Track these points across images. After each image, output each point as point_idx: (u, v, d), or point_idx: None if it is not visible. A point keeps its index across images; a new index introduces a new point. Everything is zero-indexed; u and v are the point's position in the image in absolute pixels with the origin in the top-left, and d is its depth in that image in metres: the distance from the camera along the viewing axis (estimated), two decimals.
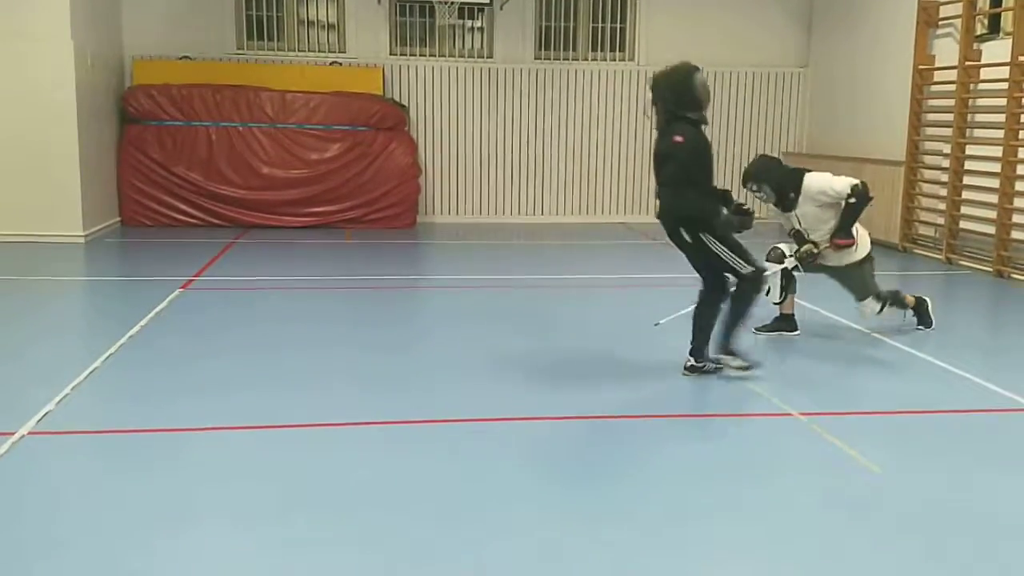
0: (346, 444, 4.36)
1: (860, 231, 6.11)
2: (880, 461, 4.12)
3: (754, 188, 6.08)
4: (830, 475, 4.04)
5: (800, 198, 6.01)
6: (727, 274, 5.21)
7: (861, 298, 6.29)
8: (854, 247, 6.07)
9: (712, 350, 5.32)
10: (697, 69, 5.11)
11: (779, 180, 6.07)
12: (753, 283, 5.20)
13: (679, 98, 5.05)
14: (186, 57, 11.71)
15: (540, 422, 4.67)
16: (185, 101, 11.25)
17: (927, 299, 6.56)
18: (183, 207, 11.36)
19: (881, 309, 6.29)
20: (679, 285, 8.43)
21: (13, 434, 4.28)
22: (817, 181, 6.00)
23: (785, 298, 6.30)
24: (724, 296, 5.27)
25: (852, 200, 5.88)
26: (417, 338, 6.53)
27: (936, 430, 4.71)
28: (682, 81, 5.06)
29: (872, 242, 6.31)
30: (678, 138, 5.00)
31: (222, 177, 11.37)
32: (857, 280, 6.26)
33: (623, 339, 6.36)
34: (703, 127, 5.14)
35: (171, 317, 6.74)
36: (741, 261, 5.13)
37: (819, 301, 7.30)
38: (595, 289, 8.33)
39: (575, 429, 4.61)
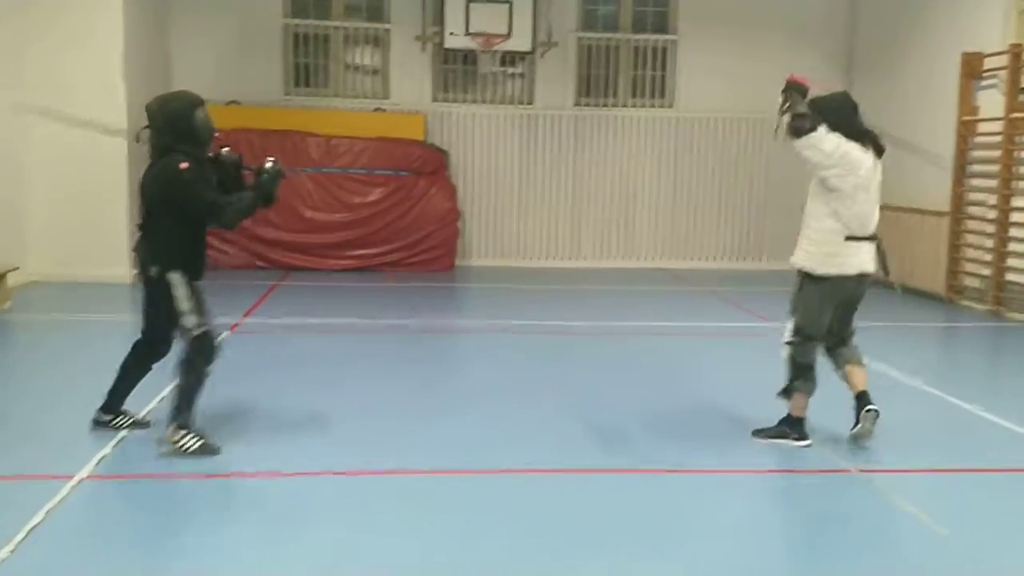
0: (409, 493, 4.36)
1: (846, 246, 4.85)
2: (947, 522, 4.04)
3: None
4: (894, 536, 3.97)
5: None
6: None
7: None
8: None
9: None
10: (200, 103, 4.72)
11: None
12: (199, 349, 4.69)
13: (175, 130, 4.62)
14: (234, 102, 11.92)
15: (571, 475, 4.64)
16: (232, 145, 11.38)
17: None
18: (227, 249, 11.48)
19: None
20: (717, 335, 8.42)
21: (71, 478, 4.33)
22: None
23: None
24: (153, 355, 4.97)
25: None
26: (469, 387, 6.54)
27: (1003, 490, 4.61)
28: (180, 114, 4.64)
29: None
30: (184, 164, 4.56)
31: (266, 220, 11.47)
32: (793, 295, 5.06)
33: (666, 389, 6.32)
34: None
35: (221, 359, 6.78)
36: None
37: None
38: (636, 337, 8.30)
39: (620, 483, 4.57)
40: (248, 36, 12.18)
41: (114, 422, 5.00)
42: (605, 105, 12.90)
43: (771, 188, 13.10)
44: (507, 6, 11.63)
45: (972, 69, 9.93)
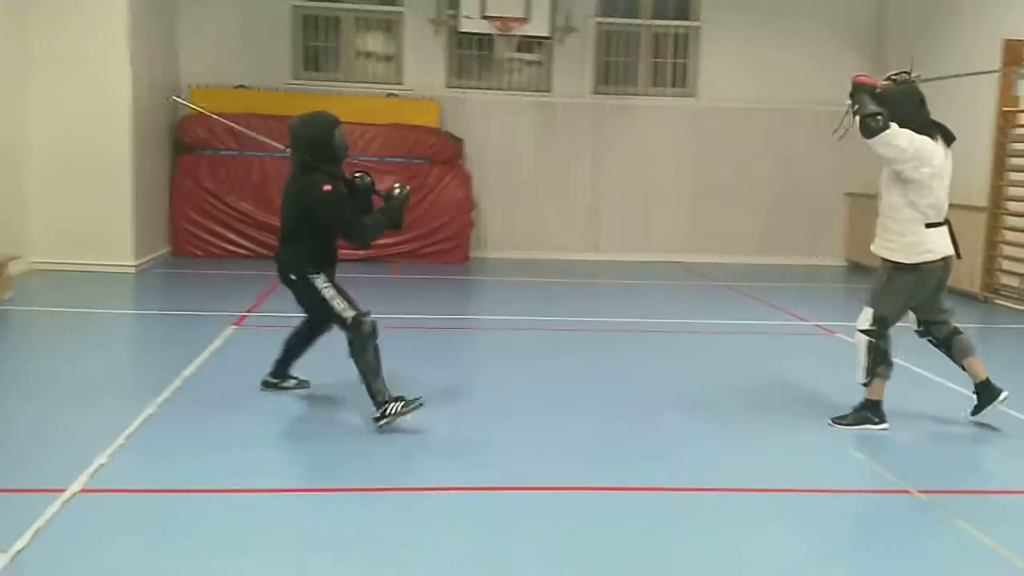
0: (430, 511, 3.99)
1: (928, 233, 4.96)
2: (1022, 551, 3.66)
3: None
4: (965, 569, 3.59)
5: None
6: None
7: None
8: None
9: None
10: (338, 123, 5.14)
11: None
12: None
13: (315, 150, 5.04)
14: (241, 86, 11.55)
15: (610, 493, 4.27)
16: (240, 130, 11.07)
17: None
18: (234, 238, 11.16)
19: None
20: (750, 333, 8.02)
21: (64, 491, 3.96)
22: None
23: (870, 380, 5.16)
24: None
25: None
26: (472, 385, 6.17)
27: None
28: (321, 136, 5.08)
29: (949, 290, 5.38)
30: (327, 187, 4.97)
31: (274, 208, 11.04)
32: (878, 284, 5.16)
33: (700, 396, 5.94)
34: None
35: (226, 357, 6.45)
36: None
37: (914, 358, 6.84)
38: (655, 335, 7.92)
39: (658, 503, 4.18)
40: (256, 18, 11.80)
41: (282, 383, 5.56)
42: (625, 94, 12.48)
43: (796, 181, 12.71)
44: None
45: (1015, 57, 9.49)
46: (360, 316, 5.00)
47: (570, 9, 11.83)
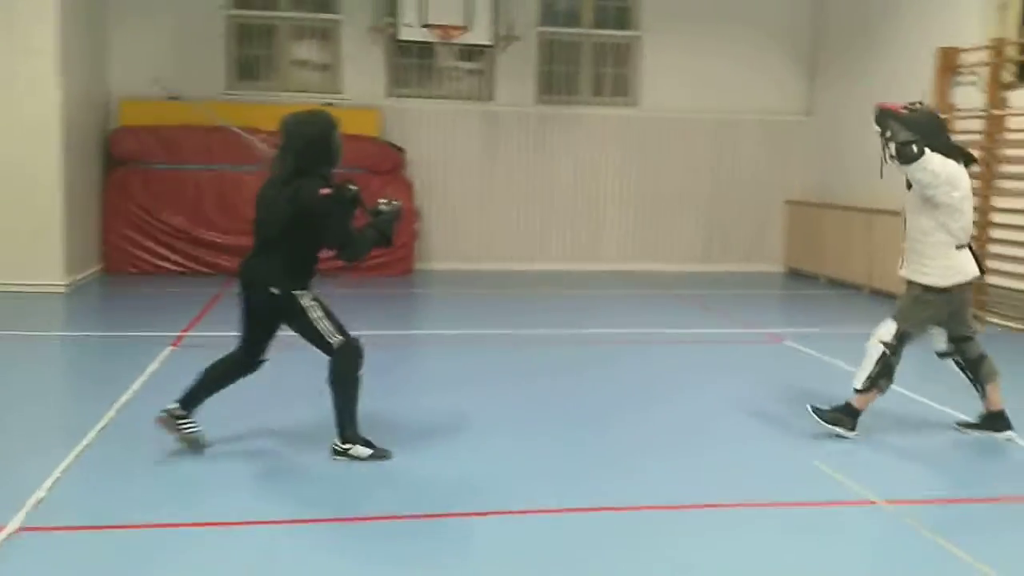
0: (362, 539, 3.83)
1: (959, 255, 5.04)
2: (993, 562, 3.64)
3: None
4: None
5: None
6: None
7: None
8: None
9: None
10: (336, 124, 4.66)
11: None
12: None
13: (313, 152, 4.56)
14: (174, 97, 11.19)
15: (563, 515, 4.13)
16: (173, 143, 10.76)
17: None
18: (169, 254, 10.83)
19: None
20: (700, 342, 8.01)
21: (3, 528, 3.72)
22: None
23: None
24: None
25: None
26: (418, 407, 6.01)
27: None
28: (320, 137, 4.60)
29: (891, 296, 5.45)
30: (325, 191, 4.48)
31: (210, 223, 10.85)
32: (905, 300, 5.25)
33: (657, 406, 5.88)
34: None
35: (164, 381, 6.11)
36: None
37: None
38: (604, 345, 7.86)
39: (607, 522, 4.05)
40: (189, 27, 11.46)
41: (185, 424, 4.69)
42: (567, 103, 12.45)
43: (737, 189, 12.80)
44: None
45: (948, 64, 9.68)
46: (348, 342, 4.60)
47: (512, 18, 11.74)
